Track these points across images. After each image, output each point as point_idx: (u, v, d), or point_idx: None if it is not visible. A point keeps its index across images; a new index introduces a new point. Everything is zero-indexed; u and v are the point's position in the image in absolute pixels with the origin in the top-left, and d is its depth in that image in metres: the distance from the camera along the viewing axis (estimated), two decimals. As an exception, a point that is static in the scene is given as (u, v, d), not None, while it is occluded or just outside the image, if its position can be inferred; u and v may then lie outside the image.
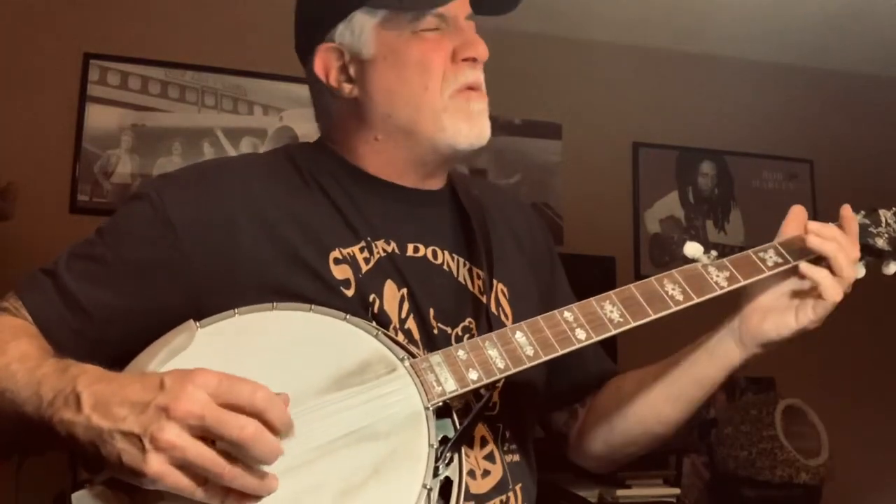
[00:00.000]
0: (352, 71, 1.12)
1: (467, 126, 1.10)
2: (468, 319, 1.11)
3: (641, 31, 3.62)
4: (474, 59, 1.11)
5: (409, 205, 1.15)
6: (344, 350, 0.94)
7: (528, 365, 0.96)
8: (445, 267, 1.14)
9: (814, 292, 1.03)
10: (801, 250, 1.06)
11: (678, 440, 3.14)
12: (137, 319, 1.01)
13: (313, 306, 0.97)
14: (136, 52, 3.10)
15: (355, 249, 1.08)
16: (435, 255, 1.14)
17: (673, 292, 1.03)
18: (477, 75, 1.11)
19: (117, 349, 0.96)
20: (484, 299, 1.13)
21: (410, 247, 1.12)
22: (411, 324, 1.07)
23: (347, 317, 0.97)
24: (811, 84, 3.90)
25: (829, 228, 1.06)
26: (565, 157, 3.63)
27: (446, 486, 0.90)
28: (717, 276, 1.05)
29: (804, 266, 1.03)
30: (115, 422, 0.80)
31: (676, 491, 2.97)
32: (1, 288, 1.10)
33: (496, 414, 1.11)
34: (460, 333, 1.10)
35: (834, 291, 1.01)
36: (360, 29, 1.11)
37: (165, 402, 0.79)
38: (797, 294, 1.05)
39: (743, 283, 1.04)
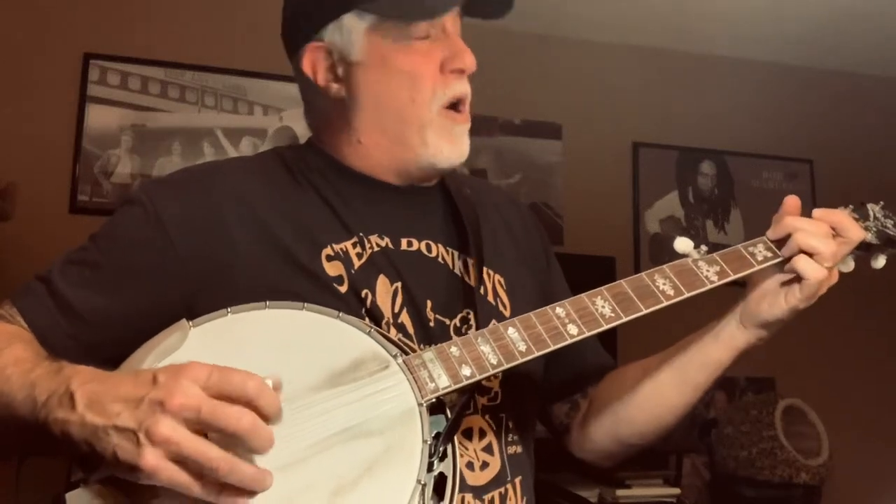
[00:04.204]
0: (339, 71, 1.13)
1: (449, 147, 1.12)
2: (466, 310, 1.12)
3: (641, 31, 3.62)
4: (462, 71, 1.11)
5: (400, 200, 1.16)
6: (337, 348, 0.94)
7: (521, 360, 0.96)
8: (440, 259, 1.15)
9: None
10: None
11: (678, 440, 3.15)
12: (132, 322, 1.01)
13: (306, 304, 0.97)
14: (136, 52, 3.11)
15: (348, 245, 1.09)
16: (429, 248, 1.15)
17: (664, 287, 1.03)
18: (465, 87, 1.12)
19: (113, 352, 0.97)
20: (481, 290, 1.13)
21: (404, 241, 1.13)
22: (405, 318, 1.07)
23: (340, 315, 0.97)
24: (811, 84, 3.90)
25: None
26: (565, 157, 3.63)
27: (441, 482, 0.90)
28: (708, 270, 1.05)
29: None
30: (109, 418, 0.80)
31: (676, 491, 2.96)
32: (1, 287, 1.11)
33: (499, 404, 1.11)
34: (458, 324, 1.10)
35: (811, 269, 1.02)
36: (350, 31, 1.11)
37: (160, 396, 0.79)
38: (790, 279, 1.06)
39: (733, 277, 1.05)
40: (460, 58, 1.11)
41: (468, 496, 1.04)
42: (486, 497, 1.07)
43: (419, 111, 1.09)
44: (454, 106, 1.12)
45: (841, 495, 3.31)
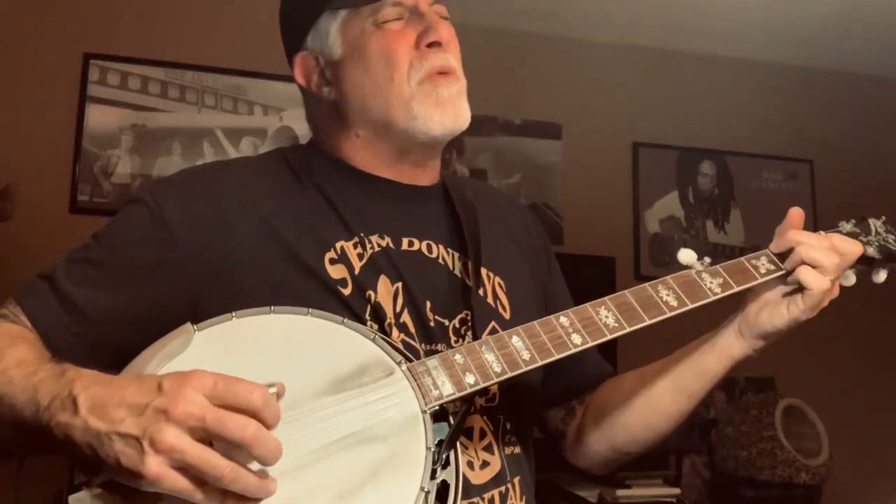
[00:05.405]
0: (328, 74, 1.16)
1: (438, 112, 1.11)
2: (465, 311, 1.12)
3: (641, 31, 3.62)
4: (439, 44, 1.12)
5: (402, 200, 1.17)
6: (341, 354, 0.94)
7: (525, 369, 0.97)
8: (440, 260, 1.15)
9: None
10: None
11: (678, 440, 3.15)
12: (136, 322, 1.01)
13: (311, 310, 0.97)
14: (136, 52, 3.11)
15: (349, 245, 1.09)
16: (430, 248, 1.15)
17: (667, 298, 1.04)
18: (443, 59, 1.12)
19: (117, 353, 0.96)
20: (480, 291, 1.14)
21: (405, 241, 1.13)
22: (406, 318, 1.08)
23: (345, 321, 0.97)
24: (811, 84, 3.90)
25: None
26: (565, 157, 3.63)
27: (443, 489, 0.90)
28: (711, 282, 1.07)
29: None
30: (112, 424, 0.80)
31: (676, 491, 2.97)
32: (1, 287, 1.10)
33: (496, 405, 1.12)
34: (457, 325, 1.11)
35: (814, 280, 1.04)
36: (326, 32, 1.15)
37: (164, 404, 0.79)
38: (791, 290, 1.07)
39: (736, 289, 1.06)
40: (434, 31, 1.12)
41: (468, 495, 1.04)
42: (486, 496, 1.07)
43: (400, 88, 1.11)
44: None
45: (841, 495, 3.31)
